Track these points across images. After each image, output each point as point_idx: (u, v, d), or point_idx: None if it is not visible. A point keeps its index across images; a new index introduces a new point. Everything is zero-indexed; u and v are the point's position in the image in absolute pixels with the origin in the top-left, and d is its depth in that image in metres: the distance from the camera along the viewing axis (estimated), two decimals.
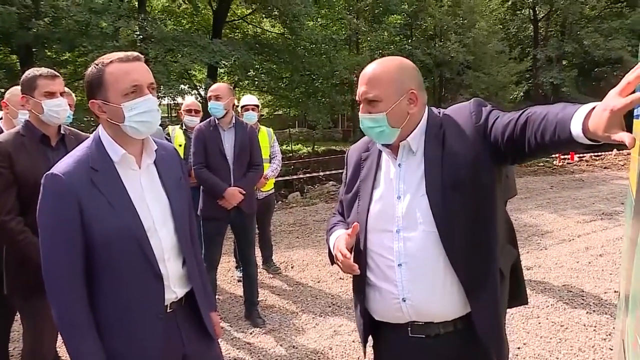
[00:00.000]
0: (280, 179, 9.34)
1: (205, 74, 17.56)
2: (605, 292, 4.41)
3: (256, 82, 19.15)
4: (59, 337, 2.46)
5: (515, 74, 21.57)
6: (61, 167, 1.46)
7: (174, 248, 1.60)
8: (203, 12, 17.69)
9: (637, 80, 0.95)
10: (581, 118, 1.09)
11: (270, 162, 4.91)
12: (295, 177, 12.45)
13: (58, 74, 2.40)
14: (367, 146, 1.67)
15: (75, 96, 3.50)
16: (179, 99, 15.95)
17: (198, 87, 19.41)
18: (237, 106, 4.95)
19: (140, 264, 1.49)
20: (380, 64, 1.51)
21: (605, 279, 4.76)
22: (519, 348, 3.44)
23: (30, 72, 2.34)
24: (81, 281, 1.45)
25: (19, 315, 2.65)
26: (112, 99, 1.46)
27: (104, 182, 1.47)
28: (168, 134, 4.74)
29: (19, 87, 2.46)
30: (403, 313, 1.51)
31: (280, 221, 7.53)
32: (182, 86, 17.26)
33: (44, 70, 2.35)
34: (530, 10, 26.09)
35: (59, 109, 2.31)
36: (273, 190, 5.20)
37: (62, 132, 2.40)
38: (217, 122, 3.76)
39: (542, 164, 12.81)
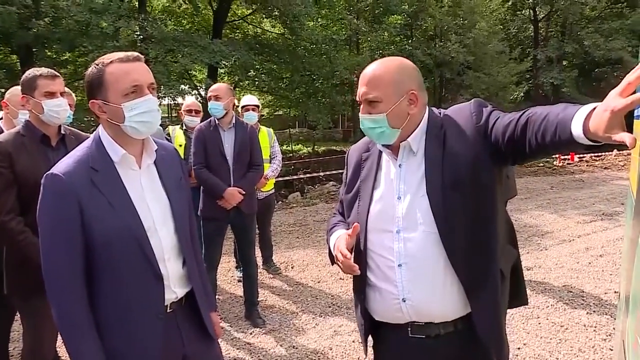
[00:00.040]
0: (280, 179, 9.35)
1: (206, 74, 17.57)
2: (605, 293, 4.40)
3: (256, 83, 19.16)
4: (59, 337, 2.46)
5: (516, 74, 21.58)
6: (61, 167, 1.46)
7: (174, 248, 1.60)
8: (203, 12, 17.69)
9: (638, 81, 0.95)
10: (582, 119, 1.09)
11: (270, 162, 4.91)
12: (295, 177, 12.45)
13: (58, 74, 2.40)
14: (367, 146, 1.67)
15: (76, 96, 3.50)
16: (179, 99, 15.96)
17: (198, 88, 19.41)
18: (238, 106, 4.95)
19: (141, 264, 1.49)
20: (381, 65, 1.51)
21: (606, 279, 4.75)
22: (519, 348, 3.44)
23: (31, 72, 2.34)
24: (81, 281, 1.45)
25: (19, 315, 2.65)
26: (112, 99, 1.46)
27: (104, 182, 1.47)
28: (168, 134, 4.74)
29: (19, 87, 2.46)
30: (403, 313, 1.51)
31: (281, 221, 7.53)
32: (182, 86, 17.28)
33: (44, 70, 2.35)
34: (531, 11, 26.09)
35: (59, 109, 2.31)
36: (273, 190, 5.20)
37: (62, 132, 2.40)
38: (217, 122, 3.76)
39: (542, 165, 12.81)
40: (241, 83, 18.65)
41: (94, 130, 1.60)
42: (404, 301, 1.49)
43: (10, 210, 2.22)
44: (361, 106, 1.53)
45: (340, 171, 2.23)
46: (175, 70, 15.19)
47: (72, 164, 1.46)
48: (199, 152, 3.74)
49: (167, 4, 17.90)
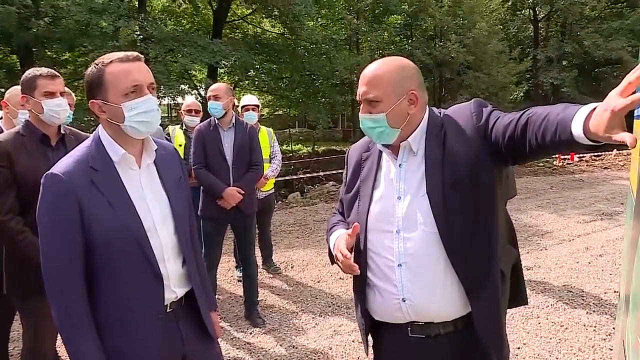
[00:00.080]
0: (280, 179, 9.34)
1: (206, 74, 17.58)
2: (605, 292, 4.41)
3: (256, 82, 19.17)
4: (59, 337, 2.46)
5: (516, 74, 21.57)
6: (61, 166, 1.46)
7: (174, 248, 1.60)
8: (203, 12, 17.69)
9: (638, 81, 0.95)
10: (582, 118, 1.09)
11: (270, 162, 4.91)
12: (295, 177, 12.44)
13: (58, 74, 2.39)
14: (367, 146, 1.67)
15: (75, 96, 3.50)
16: (179, 99, 15.97)
17: (198, 87, 19.43)
18: (237, 106, 4.95)
19: (140, 263, 1.49)
20: (381, 64, 1.51)
21: (605, 279, 4.76)
22: (518, 348, 3.44)
23: (30, 72, 2.34)
24: (81, 281, 1.45)
25: (19, 315, 2.65)
26: (112, 99, 1.46)
27: (103, 181, 1.47)
28: (168, 134, 4.74)
29: (19, 87, 2.46)
30: (403, 313, 1.51)
31: (280, 221, 7.53)
32: (182, 86, 17.28)
33: (44, 70, 2.35)
34: (531, 11, 26.08)
35: (59, 109, 2.31)
36: (273, 190, 5.19)
37: (62, 131, 2.40)
38: (217, 122, 3.76)
39: (542, 164, 12.82)
40: (241, 83, 18.66)
41: (93, 130, 1.60)
42: (404, 301, 1.49)
43: (9, 210, 2.22)
44: (361, 106, 1.53)
45: (340, 171, 2.23)
46: (175, 70, 15.20)
47: (71, 164, 1.46)
48: (199, 152, 3.74)
49: (167, 4, 17.91)
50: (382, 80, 1.47)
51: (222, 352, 1.94)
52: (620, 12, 24.05)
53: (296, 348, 3.56)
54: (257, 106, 4.97)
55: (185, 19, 18.24)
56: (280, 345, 3.60)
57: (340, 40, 18.23)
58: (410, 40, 20.94)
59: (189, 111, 4.72)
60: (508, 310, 1.65)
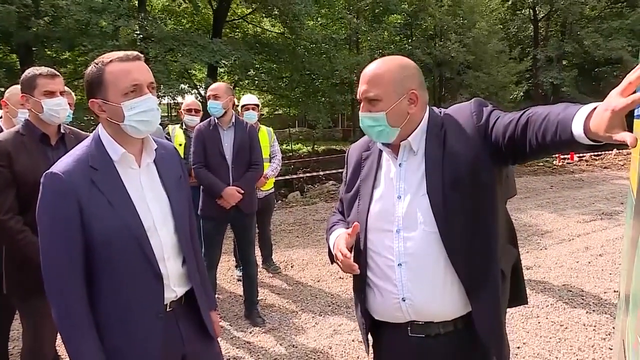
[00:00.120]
0: (280, 178, 9.33)
1: (206, 73, 17.57)
2: (605, 292, 4.41)
3: (256, 82, 19.17)
4: (59, 337, 2.46)
5: (516, 73, 21.58)
6: (61, 166, 1.46)
7: (174, 247, 1.60)
8: (203, 11, 17.69)
9: (638, 81, 0.95)
10: (582, 118, 1.09)
11: (270, 162, 4.91)
12: (295, 176, 12.43)
13: (58, 73, 2.39)
14: (367, 145, 1.67)
15: (75, 95, 3.50)
16: (179, 99, 15.94)
17: (198, 87, 19.41)
18: (237, 105, 4.95)
19: (140, 263, 1.49)
20: (382, 63, 1.51)
21: (605, 278, 4.76)
22: (518, 347, 3.44)
23: (30, 71, 2.34)
24: (81, 281, 1.45)
25: (18, 315, 2.65)
26: (112, 98, 1.46)
27: (103, 181, 1.46)
28: (168, 134, 4.74)
29: (18, 86, 2.46)
30: (403, 313, 1.51)
31: (280, 220, 7.53)
32: (182, 85, 17.25)
33: (43, 69, 2.35)
34: (531, 10, 26.08)
35: (58, 108, 2.31)
36: (273, 189, 5.19)
37: (62, 131, 2.40)
38: (216, 121, 3.76)
39: (542, 164, 12.82)
40: (241, 82, 18.65)
41: (93, 130, 1.60)
42: (404, 300, 1.49)
43: (9, 209, 2.22)
44: (361, 104, 1.53)
45: (340, 170, 2.23)
46: (175, 70, 15.19)
47: (71, 163, 1.46)
48: (199, 152, 3.74)
49: (167, 3, 17.90)
50: (383, 79, 1.47)
51: (222, 352, 1.94)
52: (620, 11, 24.04)
53: (296, 347, 3.56)
54: (257, 105, 4.96)
55: (185, 19, 18.23)
56: (280, 345, 3.60)
57: (340, 40, 18.21)
58: (410, 40, 20.94)
59: (188, 110, 4.72)
60: (508, 309, 1.65)
